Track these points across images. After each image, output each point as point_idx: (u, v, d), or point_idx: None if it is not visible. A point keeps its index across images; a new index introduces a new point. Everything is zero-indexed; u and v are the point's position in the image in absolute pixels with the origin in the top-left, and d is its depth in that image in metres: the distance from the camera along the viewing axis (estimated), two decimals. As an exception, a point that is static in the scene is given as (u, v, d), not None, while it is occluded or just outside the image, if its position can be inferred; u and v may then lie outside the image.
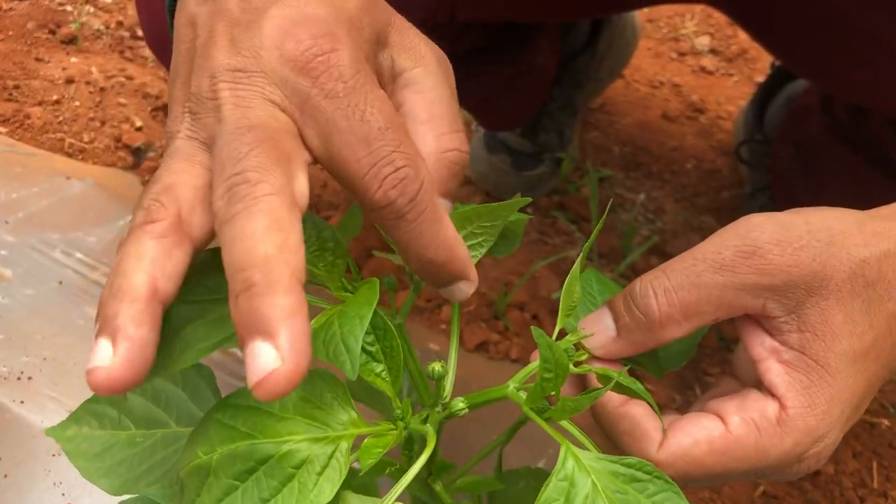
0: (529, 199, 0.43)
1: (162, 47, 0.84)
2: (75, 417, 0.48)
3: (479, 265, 0.40)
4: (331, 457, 0.34)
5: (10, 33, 1.38)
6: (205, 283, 0.37)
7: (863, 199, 0.49)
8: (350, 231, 0.44)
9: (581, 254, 0.42)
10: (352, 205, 0.42)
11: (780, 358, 0.40)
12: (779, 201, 1.16)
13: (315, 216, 0.39)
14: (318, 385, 0.35)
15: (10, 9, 1.43)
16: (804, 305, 0.39)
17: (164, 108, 1.27)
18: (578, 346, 0.42)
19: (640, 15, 1.65)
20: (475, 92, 1.07)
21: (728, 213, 1.28)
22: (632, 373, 0.41)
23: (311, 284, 0.38)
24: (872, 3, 0.77)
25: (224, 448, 0.35)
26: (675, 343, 0.42)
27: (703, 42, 1.62)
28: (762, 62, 1.54)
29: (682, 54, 1.60)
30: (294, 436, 0.34)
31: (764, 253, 0.39)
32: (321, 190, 1.18)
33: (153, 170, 1.15)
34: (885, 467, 0.96)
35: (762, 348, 0.40)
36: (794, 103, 1.17)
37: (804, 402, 0.39)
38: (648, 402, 0.39)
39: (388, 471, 0.43)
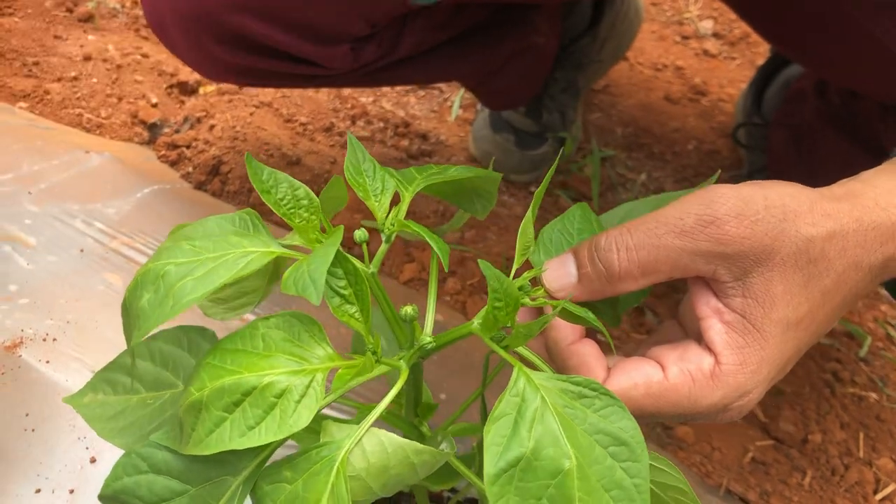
0: (500, 176, 0.47)
1: (162, 29, 0.87)
2: (91, 385, 0.52)
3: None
4: (308, 386, 0.38)
5: (29, 11, 1.42)
6: (192, 244, 0.41)
7: None
8: (334, 202, 0.47)
9: (532, 202, 0.45)
10: (332, 180, 0.46)
11: (721, 318, 0.43)
12: (775, 182, 1.19)
13: (291, 178, 0.43)
14: (296, 326, 0.39)
15: (29, -13, 1.47)
16: (750, 274, 0.42)
17: (179, 85, 1.31)
18: (536, 283, 0.45)
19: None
20: (474, 70, 1.10)
21: (727, 194, 1.31)
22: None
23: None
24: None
25: (213, 384, 0.38)
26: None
27: (707, 26, 1.65)
28: (764, 46, 1.57)
29: (685, 37, 1.62)
30: (275, 370, 0.38)
31: (722, 224, 0.42)
32: (331, 166, 1.22)
33: (168, 145, 1.18)
34: (872, 438, 1.00)
35: (707, 307, 0.44)
36: (791, 88, 1.19)
37: (737, 360, 0.43)
38: (599, 329, 0.43)
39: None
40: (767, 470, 0.92)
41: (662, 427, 0.93)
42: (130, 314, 0.42)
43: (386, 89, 1.40)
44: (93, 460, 0.75)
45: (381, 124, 1.33)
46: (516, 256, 0.45)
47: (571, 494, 0.36)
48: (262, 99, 1.32)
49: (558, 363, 0.45)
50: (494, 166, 1.27)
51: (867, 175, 0.49)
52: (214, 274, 0.38)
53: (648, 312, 1.08)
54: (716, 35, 1.64)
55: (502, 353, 0.41)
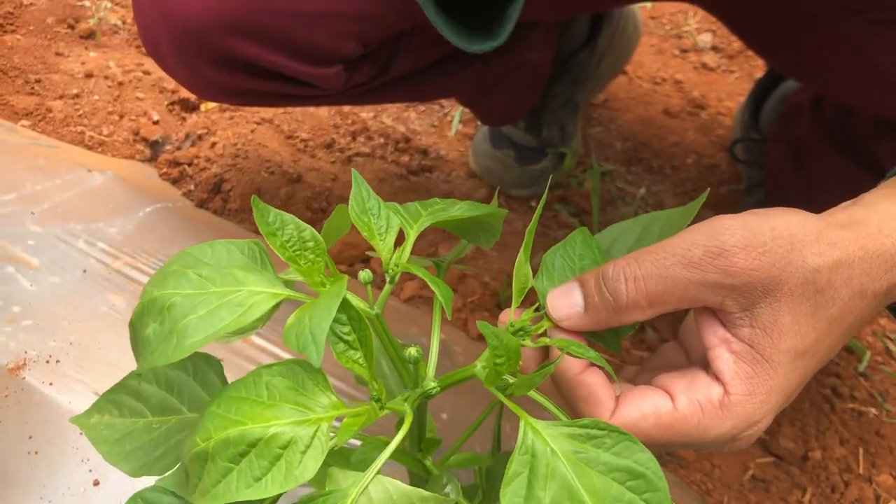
0: (505, 212, 0.48)
1: (156, 50, 0.88)
2: (97, 407, 0.52)
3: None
4: (313, 437, 0.38)
5: (31, 28, 1.43)
6: (198, 273, 0.41)
7: (849, 196, 0.53)
8: (337, 231, 0.48)
9: (525, 239, 0.45)
10: (338, 206, 0.46)
11: (729, 348, 0.44)
12: (772, 197, 1.20)
13: (297, 219, 0.43)
14: (300, 374, 0.39)
15: (31, 4, 1.48)
16: (758, 304, 0.43)
17: (180, 102, 1.32)
18: (537, 319, 0.46)
19: (642, 12, 1.68)
20: (469, 88, 1.10)
21: (726, 208, 1.31)
22: (590, 344, 0.45)
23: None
24: (846, 11, 0.81)
25: (219, 435, 0.38)
26: None
27: (705, 39, 1.65)
28: (762, 60, 1.57)
29: (684, 51, 1.63)
30: (279, 420, 0.38)
31: (730, 255, 0.42)
32: (332, 183, 1.23)
33: (169, 162, 1.19)
34: (871, 454, 1.00)
35: (714, 337, 0.44)
36: (787, 103, 1.20)
37: (746, 390, 0.43)
38: (604, 369, 0.43)
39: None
40: (768, 487, 0.92)
41: (663, 445, 0.94)
42: (136, 339, 0.42)
43: (386, 105, 1.41)
44: (96, 483, 0.76)
45: (382, 140, 1.34)
46: (514, 295, 0.46)
47: None
48: (263, 116, 1.32)
49: (566, 394, 0.45)
50: (494, 181, 1.29)
51: (869, 199, 0.49)
52: (218, 315, 0.39)
53: (649, 329, 1.08)
54: (714, 48, 1.64)
55: (508, 402, 0.41)
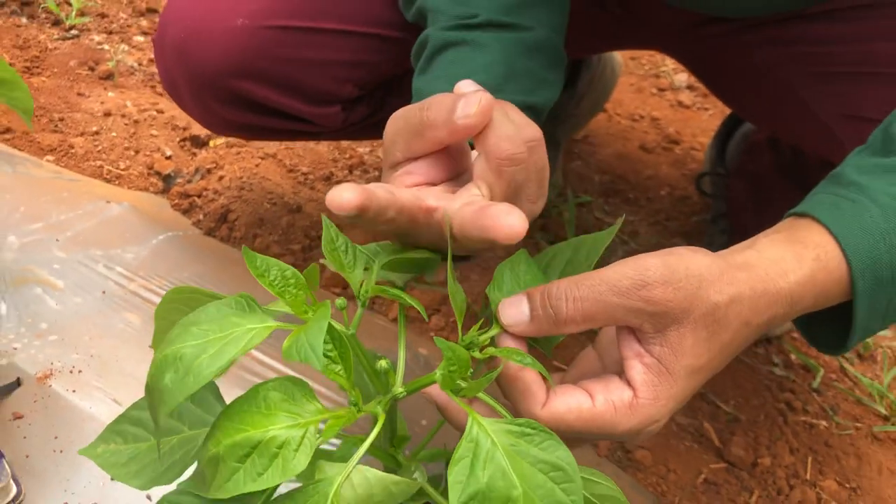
0: (439, 258, 0.58)
1: (174, 89, 0.99)
2: (103, 438, 0.60)
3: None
4: (303, 437, 0.47)
5: (55, 70, 1.55)
6: (199, 328, 0.51)
7: None
8: (312, 280, 0.57)
9: (448, 265, 0.55)
10: (311, 264, 0.56)
11: (642, 360, 0.53)
12: (735, 228, 1.30)
13: (280, 262, 0.53)
14: (290, 388, 0.49)
15: (55, 48, 1.60)
16: (669, 328, 0.53)
17: (191, 139, 1.43)
18: (485, 325, 0.55)
19: (623, 54, 1.80)
20: None
21: (696, 237, 1.42)
22: (530, 347, 0.54)
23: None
24: (789, 62, 0.91)
25: (227, 441, 0.48)
26: None
27: (682, 79, 1.77)
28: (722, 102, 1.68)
29: (661, 90, 1.74)
30: (275, 425, 0.48)
31: (651, 288, 0.52)
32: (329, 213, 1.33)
33: (180, 194, 1.30)
34: (819, 462, 1.09)
35: (631, 350, 0.54)
36: (749, 140, 1.31)
37: (652, 395, 0.53)
38: (539, 370, 0.53)
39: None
40: (718, 490, 1.01)
41: (623, 451, 1.03)
42: (154, 394, 0.50)
43: (381, 140, 1.52)
44: (113, 478, 0.85)
45: (377, 173, 1.45)
46: (457, 316, 0.55)
47: None
48: (267, 151, 1.44)
49: (506, 390, 0.55)
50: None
51: (761, 244, 0.59)
52: (224, 351, 0.48)
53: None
54: (690, 87, 1.76)
55: (460, 402, 0.51)
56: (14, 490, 0.82)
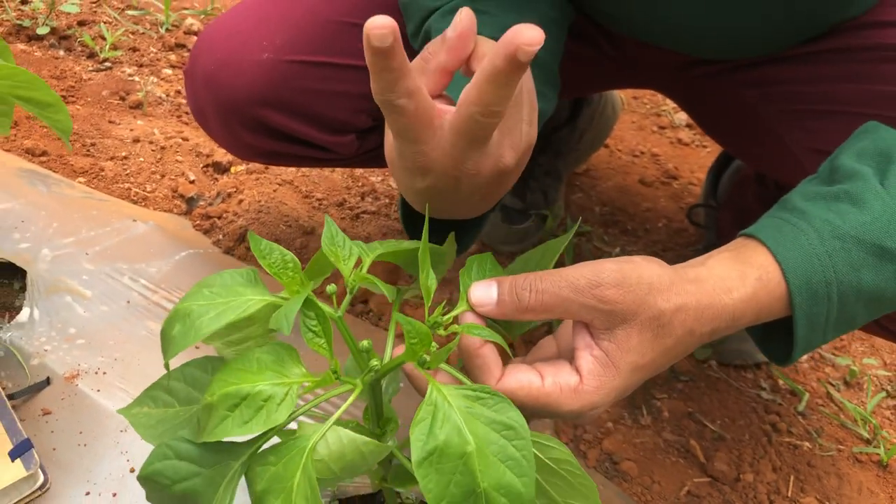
0: (446, 249, 0.65)
1: (202, 116, 1.06)
2: (138, 401, 0.67)
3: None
4: (286, 394, 0.54)
5: (89, 99, 1.65)
6: (210, 290, 0.58)
7: None
8: (321, 270, 0.64)
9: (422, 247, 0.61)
10: (318, 252, 0.62)
11: (591, 352, 0.59)
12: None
13: (281, 247, 0.60)
14: (281, 353, 0.56)
15: (90, 79, 1.71)
16: (617, 327, 0.59)
17: (213, 165, 1.52)
18: (448, 310, 0.61)
19: (625, 93, 1.88)
20: None
21: (691, 266, 1.48)
22: (494, 329, 0.61)
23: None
24: (764, 101, 0.99)
25: (220, 392, 0.54)
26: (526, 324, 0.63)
27: (681, 117, 1.84)
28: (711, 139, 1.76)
29: (661, 127, 1.82)
30: (263, 382, 0.54)
31: (604, 289, 0.58)
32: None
33: (202, 216, 1.39)
34: (801, 480, 1.14)
35: (582, 342, 0.60)
36: (739, 174, 1.38)
37: (595, 384, 0.59)
38: (499, 346, 0.59)
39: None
40: (701, 502, 1.06)
41: (610, 462, 1.09)
42: (165, 339, 0.58)
43: (392, 170, 1.60)
44: (132, 470, 0.92)
45: (387, 200, 1.53)
46: (425, 296, 0.61)
47: (474, 468, 0.52)
48: (284, 178, 1.52)
49: (467, 364, 0.60)
50: (484, 238, 1.46)
51: (712, 262, 0.64)
52: (224, 314, 0.56)
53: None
54: (689, 126, 1.83)
55: (423, 372, 0.57)
56: (41, 478, 0.89)
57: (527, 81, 0.65)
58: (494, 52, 0.52)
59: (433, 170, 0.61)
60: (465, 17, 0.59)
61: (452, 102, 0.65)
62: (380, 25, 0.49)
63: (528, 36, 0.50)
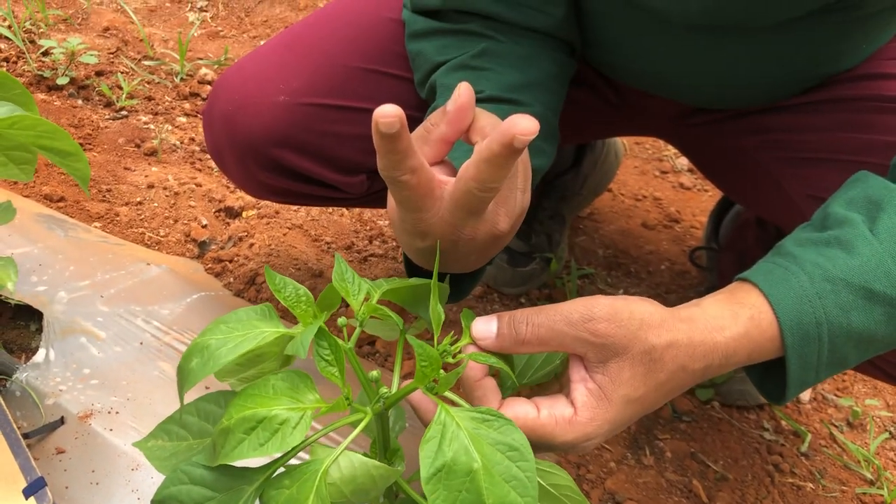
0: (448, 288, 0.68)
1: (219, 156, 1.10)
2: (152, 434, 0.69)
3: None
4: (300, 418, 0.56)
5: (105, 146, 1.70)
6: (227, 325, 0.61)
7: None
8: (330, 301, 0.67)
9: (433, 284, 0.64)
10: (328, 285, 0.65)
11: (585, 385, 0.62)
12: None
13: (295, 282, 0.63)
14: (295, 380, 0.58)
15: (106, 126, 1.76)
16: (610, 360, 0.61)
17: (225, 210, 1.56)
18: (457, 339, 0.63)
19: (628, 140, 1.92)
20: None
21: (693, 308, 1.50)
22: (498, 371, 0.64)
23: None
24: (759, 148, 1.02)
25: (237, 416, 0.57)
26: (539, 371, 0.65)
27: (683, 162, 1.88)
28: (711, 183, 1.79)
29: (664, 172, 1.85)
30: (279, 406, 0.57)
31: (597, 323, 0.60)
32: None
33: (214, 259, 1.42)
34: (804, 520, 1.15)
35: (577, 374, 0.63)
36: (740, 218, 1.41)
37: (589, 416, 0.61)
38: (499, 375, 0.61)
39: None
40: (704, 542, 1.07)
41: (613, 502, 1.10)
42: (182, 373, 0.61)
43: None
44: (157, 469, 0.94)
45: (394, 244, 1.56)
46: (434, 327, 0.63)
47: (480, 486, 0.54)
48: (294, 222, 1.56)
49: (467, 394, 0.63)
50: (489, 280, 1.49)
51: (706, 303, 0.67)
52: (241, 345, 0.59)
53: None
54: (690, 170, 1.87)
55: (431, 396, 0.60)
56: (54, 516, 0.91)
57: (523, 152, 0.68)
58: (492, 138, 0.56)
59: (432, 234, 0.65)
60: (463, 93, 0.62)
61: (453, 167, 0.69)
62: (388, 115, 0.54)
63: (523, 126, 0.54)
